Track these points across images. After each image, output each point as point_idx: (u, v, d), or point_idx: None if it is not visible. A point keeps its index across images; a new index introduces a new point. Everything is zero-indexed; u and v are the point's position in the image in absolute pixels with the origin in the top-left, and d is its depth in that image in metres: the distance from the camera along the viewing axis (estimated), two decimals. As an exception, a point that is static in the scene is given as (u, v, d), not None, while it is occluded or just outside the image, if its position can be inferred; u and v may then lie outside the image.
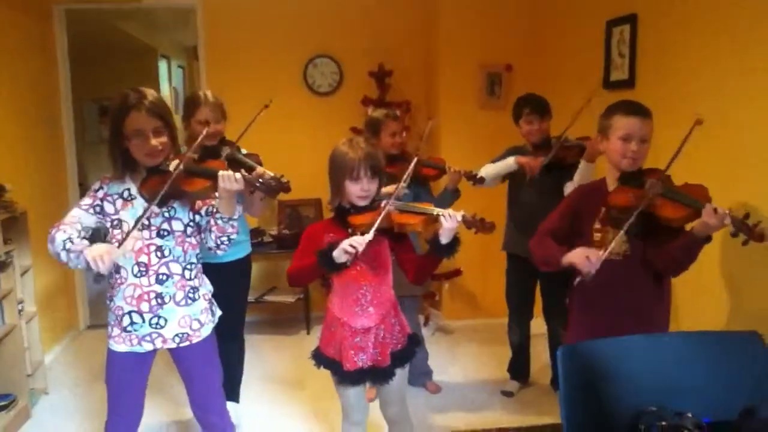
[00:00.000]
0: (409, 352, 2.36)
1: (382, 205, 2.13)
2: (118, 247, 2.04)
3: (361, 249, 2.01)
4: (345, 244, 2.01)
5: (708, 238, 2.04)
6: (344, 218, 2.19)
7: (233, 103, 3.12)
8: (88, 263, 1.97)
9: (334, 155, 2.24)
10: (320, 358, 2.37)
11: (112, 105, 2.15)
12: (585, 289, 2.33)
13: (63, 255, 2.04)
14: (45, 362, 3.86)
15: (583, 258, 2.12)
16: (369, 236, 2.04)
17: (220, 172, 2.07)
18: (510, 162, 3.35)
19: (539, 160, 3.25)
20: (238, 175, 2.07)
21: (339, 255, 2.02)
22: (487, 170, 3.40)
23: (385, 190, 2.29)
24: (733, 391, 1.48)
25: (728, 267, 2.79)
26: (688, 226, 2.13)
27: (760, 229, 1.92)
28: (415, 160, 2.30)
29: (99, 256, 1.95)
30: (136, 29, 7.01)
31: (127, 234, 2.07)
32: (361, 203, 2.20)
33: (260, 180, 2.10)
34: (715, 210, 1.97)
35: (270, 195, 2.17)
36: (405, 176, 2.31)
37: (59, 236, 2.05)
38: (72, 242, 2.03)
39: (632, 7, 3.42)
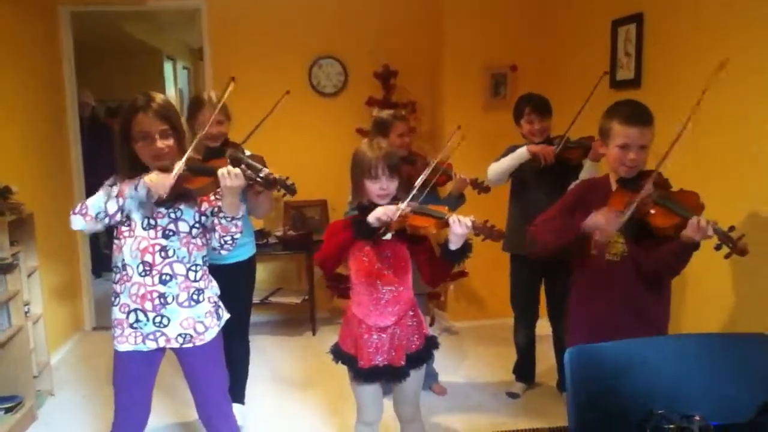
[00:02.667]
0: (425, 354, 2.37)
1: (398, 205, 2.15)
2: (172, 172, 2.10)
3: (394, 217, 2.09)
4: (379, 211, 2.11)
5: (696, 245, 2.04)
6: (365, 216, 2.21)
7: (238, 105, 3.11)
8: (147, 191, 2.08)
9: (354, 155, 2.29)
10: (338, 353, 2.39)
11: (123, 109, 2.20)
12: (584, 289, 2.33)
13: (111, 204, 2.12)
14: (51, 363, 3.87)
15: (602, 221, 2.16)
16: (402, 205, 2.12)
17: (220, 169, 2.08)
18: (522, 152, 3.31)
19: (552, 148, 3.24)
20: (237, 170, 2.09)
21: (373, 219, 2.11)
22: (497, 167, 3.38)
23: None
24: (741, 394, 1.47)
25: (730, 268, 2.77)
26: None
27: (743, 244, 1.92)
28: (435, 163, 2.30)
29: (158, 180, 2.06)
30: (141, 31, 7.03)
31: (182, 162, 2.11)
32: (381, 202, 2.22)
33: (260, 175, 2.11)
34: (699, 222, 1.96)
35: (270, 189, 2.19)
36: (421, 179, 2.30)
37: (91, 200, 2.14)
38: (113, 189, 2.13)
39: (638, 6, 3.41)
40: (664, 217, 2.09)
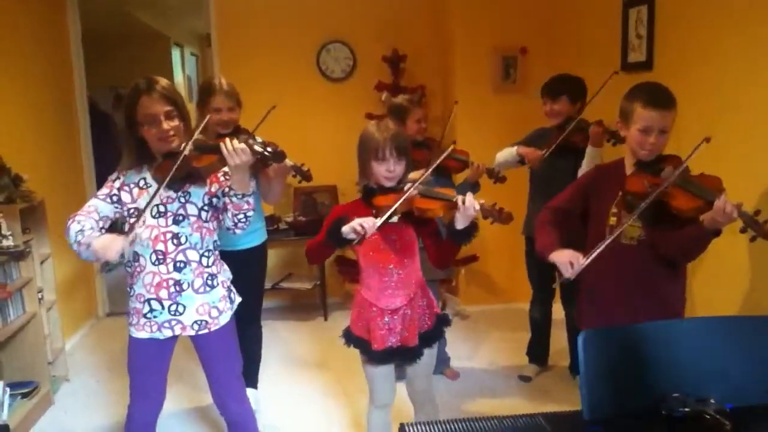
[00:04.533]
0: (437, 333, 2.37)
1: (406, 188, 2.14)
2: (127, 233, 2.05)
3: (369, 232, 2.03)
4: (355, 222, 2.05)
5: (717, 232, 2.02)
6: (370, 199, 2.21)
7: (247, 90, 3.10)
8: (97, 254, 2.01)
9: (362, 136, 2.26)
10: (350, 336, 2.39)
11: (126, 95, 2.18)
12: (598, 272, 2.32)
13: (75, 247, 2.08)
14: (66, 349, 3.91)
15: (566, 262, 2.15)
16: (380, 221, 2.06)
17: (223, 145, 2.05)
18: (512, 151, 3.35)
19: (539, 152, 3.24)
20: (242, 144, 2.05)
21: (347, 231, 2.06)
22: (500, 156, 3.41)
23: (411, 175, 2.28)
24: (757, 377, 1.47)
25: (744, 253, 2.75)
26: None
27: None
28: (451, 148, 2.28)
29: (105, 245, 1.99)
30: (149, 17, 7.02)
31: (137, 218, 2.09)
32: (388, 184, 2.21)
33: (267, 149, 2.08)
34: (725, 205, 1.94)
35: (279, 162, 2.17)
36: (435, 163, 2.29)
37: (73, 228, 2.09)
38: (83, 234, 2.06)
39: (650, -13, 3.36)
40: (685, 200, 2.07)
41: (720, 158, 2.68)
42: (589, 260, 2.12)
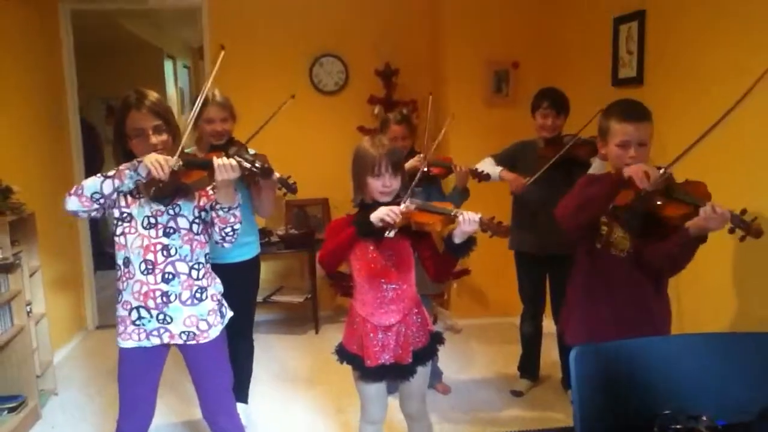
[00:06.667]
0: (431, 350, 2.36)
1: (402, 203, 2.15)
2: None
3: (397, 219, 2.05)
4: (382, 211, 2.07)
5: (703, 238, 2.03)
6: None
7: (239, 102, 3.10)
8: (148, 173, 2.04)
9: (357, 152, 2.27)
10: (343, 353, 2.37)
11: (116, 108, 2.20)
12: (587, 282, 2.32)
13: (107, 184, 2.08)
14: (54, 363, 3.87)
15: (641, 172, 2.04)
16: (403, 206, 2.09)
17: (215, 160, 2.08)
18: (495, 172, 3.36)
19: (524, 181, 3.26)
20: (232, 161, 2.08)
21: (376, 220, 2.08)
22: (486, 164, 3.41)
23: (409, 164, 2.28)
24: (748, 393, 1.47)
25: (731, 269, 2.76)
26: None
27: (757, 224, 1.92)
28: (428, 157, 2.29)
29: (157, 161, 2.01)
30: (141, 29, 7.02)
31: (181, 149, 2.11)
32: (383, 199, 2.21)
33: (255, 165, 2.10)
34: (715, 209, 1.95)
35: (267, 178, 2.18)
36: (420, 172, 2.31)
37: (87, 181, 2.10)
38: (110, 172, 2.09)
39: (640, 3, 3.40)
40: (673, 207, 2.07)
41: (707, 173, 2.70)
42: (668, 168, 2.03)
